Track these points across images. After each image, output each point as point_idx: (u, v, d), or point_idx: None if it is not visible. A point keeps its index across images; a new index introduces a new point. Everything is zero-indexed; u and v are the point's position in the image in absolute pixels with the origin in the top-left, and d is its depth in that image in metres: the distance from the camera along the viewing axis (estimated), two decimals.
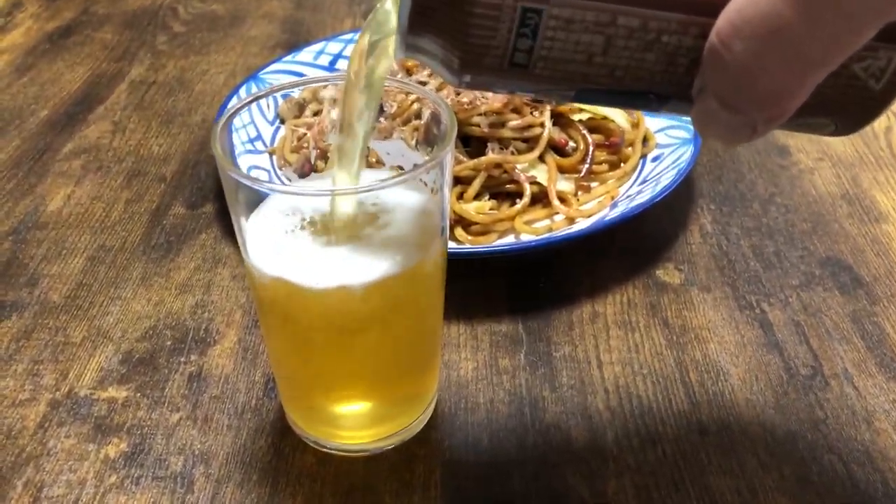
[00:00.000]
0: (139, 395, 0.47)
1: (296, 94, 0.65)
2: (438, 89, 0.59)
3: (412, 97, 0.59)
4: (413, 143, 0.58)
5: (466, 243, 0.55)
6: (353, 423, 0.44)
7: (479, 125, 0.57)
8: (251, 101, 0.39)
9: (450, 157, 0.37)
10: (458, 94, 0.57)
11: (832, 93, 0.28)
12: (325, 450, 0.43)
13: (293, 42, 0.86)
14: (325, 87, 0.61)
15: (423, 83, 0.60)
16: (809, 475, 0.42)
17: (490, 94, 0.58)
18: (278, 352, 0.43)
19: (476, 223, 0.55)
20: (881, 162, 0.66)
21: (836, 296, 0.53)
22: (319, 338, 0.40)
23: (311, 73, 0.72)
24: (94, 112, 0.75)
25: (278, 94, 0.41)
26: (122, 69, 0.82)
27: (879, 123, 0.71)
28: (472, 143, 0.59)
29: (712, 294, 0.53)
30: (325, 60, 0.73)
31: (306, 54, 0.73)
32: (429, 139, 0.59)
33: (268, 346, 0.44)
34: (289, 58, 0.73)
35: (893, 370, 0.48)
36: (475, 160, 0.57)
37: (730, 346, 0.50)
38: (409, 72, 0.62)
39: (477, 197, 0.57)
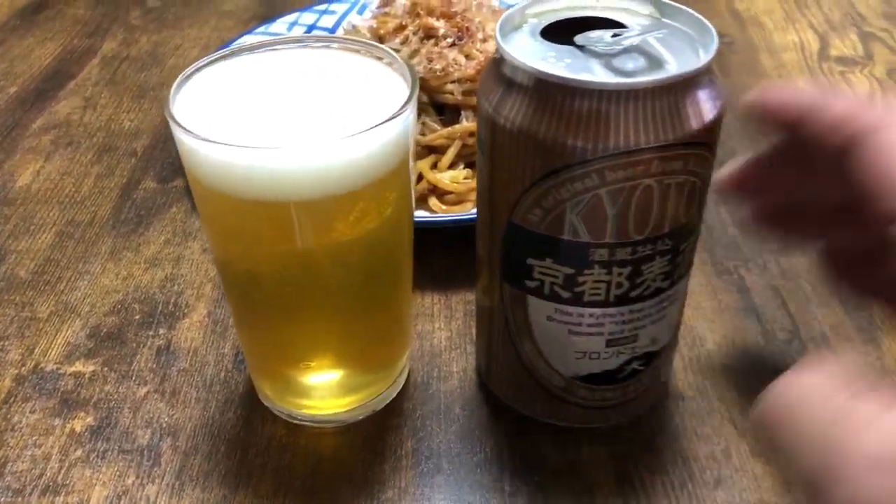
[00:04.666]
0: (106, 369, 0.46)
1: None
2: (411, 56, 0.58)
3: None
4: None
5: (440, 213, 0.54)
6: (323, 392, 0.43)
7: (452, 93, 0.56)
8: (204, 66, 0.38)
9: (412, 116, 0.36)
10: (430, 60, 0.56)
11: None
12: (295, 421, 0.43)
13: (269, 15, 0.84)
14: None
15: (396, 50, 0.58)
16: None
17: (463, 61, 0.57)
18: (242, 315, 0.42)
19: (450, 192, 0.55)
20: None
21: (815, 261, 0.52)
22: (280, 289, 0.39)
23: None
24: (65, 88, 0.74)
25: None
26: (93, 44, 0.81)
27: (861, 89, 0.70)
28: (446, 112, 0.58)
29: None
30: (298, 31, 0.72)
31: (280, 25, 0.72)
32: None
33: (232, 312, 0.43)
34: (261, 29, 0.71)
35: (870, 333, 0.47)
36: (449, 128, 0.56)
37: (707, 312, 0.49)
38: (381, 39, 0.61)
39: (451, 166, 0.56)
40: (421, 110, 0.57)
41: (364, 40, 0.39)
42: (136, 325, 0.49)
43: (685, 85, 0.32)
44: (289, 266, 0.38)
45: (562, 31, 0.35)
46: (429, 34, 0.59)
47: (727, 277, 0.51)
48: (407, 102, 0.35)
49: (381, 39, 0.61)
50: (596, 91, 0.31)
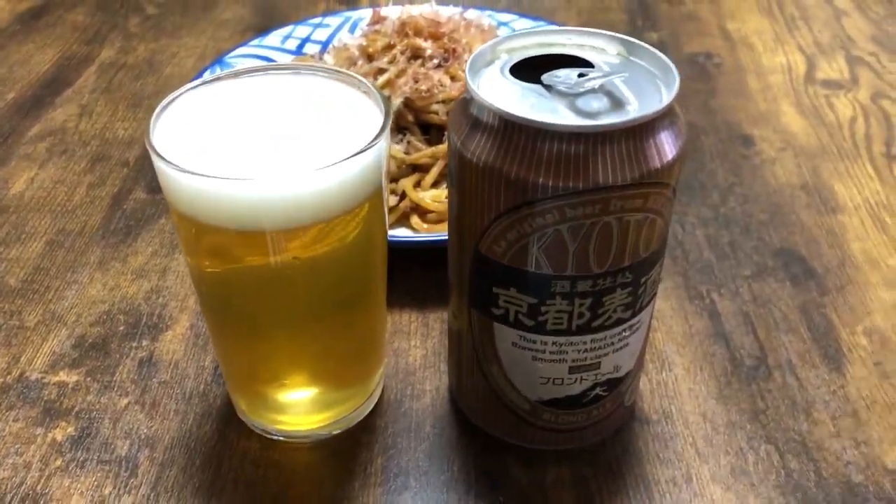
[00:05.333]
0: (89, 379, 0.48)
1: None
2: (398, 76, 0.59)
3: (378, 83, 0.59)
4: None
5: (422, 231, 0.55)
6: (297, 409, 0.44)
7: (437, 113, 0.58)
8: (184, 92, 0.39)
9: (384, 145, 0.37)
10: (416, 81, 0.58)
11: None
12: (269, 436, 0.44)
13: (265, 26, 0.86)
14: None
15: (383, 70, 0.60)
16: (745, 465, 0.42)
17: (448, 82, 0.58)
18: (218, 332, 0.43)
19: (432, 212, 0.56)
20: (843, 152, 0.66)
21: (787, 287, 0.54)
22: (254, 307, 0.40)
23: (278, 57, 0.72)
24: (62, 95, 0.75)
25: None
26: (91, 52, 0.82)
27: (844, 113, 0.71)
28: (431, 132, 0.59)
29: (663, 284, 0.54)
30: (292, 45, 0.73)
31: (273, 38, 0.73)
32: (399, 127, 0.59)
33: (209, 329, 0.44)
34: (255, 42, 0.73)
35: (836, 361, 0.48)
36: (433, 148, 0.57)
37: (677, 336, 0.50)
38: (370, 58, 0.62)
39: (435, 185, 0.57)
40: (406, 129, 0.58)
41: (342, 69, 0.40)
42: (121, 336, 0.50)
43: (647, 127, 0.33)
44: (263, 286, 0.39)
45: (531, 69, 0.36)
46: (416, 54, 0.60)
47: (699, 302, 0.52)
48: (380, 133, 0.36)
49: (370, 57, 0.62)
50: (558, 133, 0.32)
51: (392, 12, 0.68)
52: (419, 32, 0.61)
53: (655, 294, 0.40)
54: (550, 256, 0.35)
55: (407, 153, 0.57)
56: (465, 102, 0.36)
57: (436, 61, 0.59)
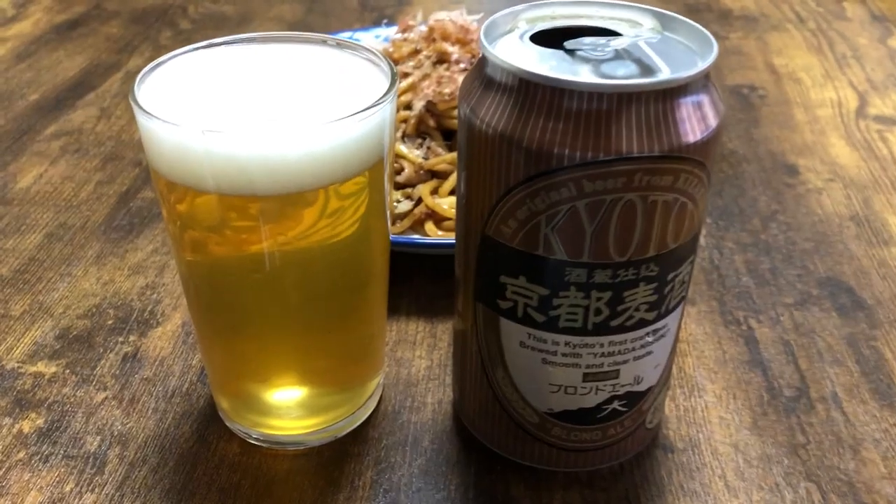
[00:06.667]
0: (68, 371, 0.44)
1: None
2: (422, 79, 0.56)
3: (401, 87, 0.57)
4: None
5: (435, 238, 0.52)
6: (283, 412, 0.40)
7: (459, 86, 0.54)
8: (178, 55, 0.37)
9: (389, 111, 0.34)
10: (439, 84, 0.55)
11: None
12: (251, 441, 0.40)
13: None
14: None
15: (407, 74, 0.57)
16: (781, 503, 0.37)
17: None
18: (202, 323, 0.39)
19: (448, 218, 0.52)
20: None
21: (833, 317, 0.49)
22: (241, 296, 0.37)
23: None
24: (84, 98, 0.74)
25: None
26: (120, 60, 0.81)
27: None
28: (452, 137, 0.56)
29: (697, 307, 0.49)
30: None
31: None
32: (420, 132, 0.56)
33: (193, 320, 0.41)
34: None
35: (889, 397, 0.43)
36: (452, 154, 0.54)
37: (709, 362, 0.45)
38: (395, 62, 0.59)
39: (452, 192, 0.54)
40: (427, 134, 0.55)
41: (349, 40, 0.38)
42: (108, 329, 0.47)
43: (679, 92, 0.30)
44: (250, 272, 0.35)
45: (553, 38, 0.33)
46: (442, 59, 0.57)
47: (735, 328, 0.48)
48: (385, 95, 0.33)
49: (395, 63, 0.59)
50: (576, 92, 0.29)
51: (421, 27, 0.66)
52: (447, 37, 0.58)
53: (685, 298, 0.36)
54: (565, 239, 0.31)
55: (426, 158, 0.54)
56: (477, 67, 0.32)
57: (462, 65, 0.56)
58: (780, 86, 0.77)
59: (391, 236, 0.40)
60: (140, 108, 0.32)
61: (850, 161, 0.65)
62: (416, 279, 0.50)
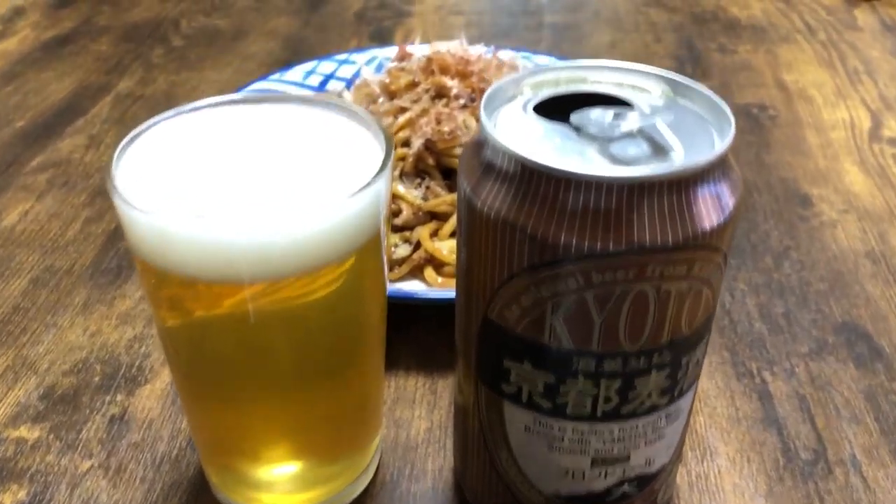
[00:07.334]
0: (52, 436, 0.42)
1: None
2: (420, 115, 0.54)
3: (398, 122, 0.54)
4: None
5: (436, 286, 0.50)
6: (276, 486, 0.38)
7: (459, 157, 0.52)
8: (157, 122, 0.35)
9: (385, 185, 0.32)
10: (438, 122, 0.52)
11: None
12: None
13: (293, 60, 0.82)
14: None
15: (405, 109, 0.55)
16: None
17: (473, 124, 0.53)
18: (187, 396, 0.37)
19: (449, 264, 0.50)
20: None
21: (850, 368, 0.47)
22: (229, 367, 0.35)
23: (298, 93, 0.67)
24: (73, 125, 0.71)
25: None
26: (110, 81, 0.79)
27: None
28: (452, 177, 0.54)
29: (709, 358, 0.47)
30: (315, 81, 0.69)
31: (296, 73, 0.69)
32: (419, 171, 0.54)
33: (178, 392, 0.39)
34: (276, 76, 0.68)
35: None
36: (453, 195, 0.52)
37: (722, 421, 0.43)
38: (392, 95, 0.57)
39: (453, 235, 0.52)
40: (426, 173, 0.53)
41: (338, 100, 0.35)
42: (94, 388, 0.45)
43: (695, 179, 0.27)
44: (235, 347, 0.33)
45: (559, 108, 0.31)
46: (441, 93, 0.55)
47: (748, 381, 0.46)
48: (378, 173, 0.31)
49: (392, 95, 0.57)
50: (584, 182, 0.27)
51: (419, 50, 0.64)
52: (446, 70, 0.56)
53: (699, 376, 0.34)
54: (572, 328, 0.29)
55: (425, 199, 0.52)
56: (479, 143, 0.30)
57: (461, 101, 0.54)
58: (790, 105, 0.75)
59: (388, 289, 0.38)
60: (119, 194, 0.30)
61: (864, 189, 0.63)
62: (413, 328, 0.48)
